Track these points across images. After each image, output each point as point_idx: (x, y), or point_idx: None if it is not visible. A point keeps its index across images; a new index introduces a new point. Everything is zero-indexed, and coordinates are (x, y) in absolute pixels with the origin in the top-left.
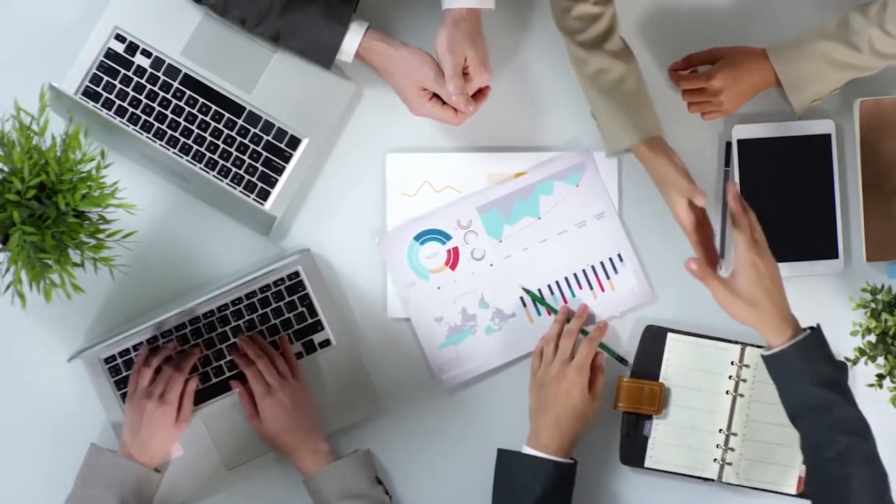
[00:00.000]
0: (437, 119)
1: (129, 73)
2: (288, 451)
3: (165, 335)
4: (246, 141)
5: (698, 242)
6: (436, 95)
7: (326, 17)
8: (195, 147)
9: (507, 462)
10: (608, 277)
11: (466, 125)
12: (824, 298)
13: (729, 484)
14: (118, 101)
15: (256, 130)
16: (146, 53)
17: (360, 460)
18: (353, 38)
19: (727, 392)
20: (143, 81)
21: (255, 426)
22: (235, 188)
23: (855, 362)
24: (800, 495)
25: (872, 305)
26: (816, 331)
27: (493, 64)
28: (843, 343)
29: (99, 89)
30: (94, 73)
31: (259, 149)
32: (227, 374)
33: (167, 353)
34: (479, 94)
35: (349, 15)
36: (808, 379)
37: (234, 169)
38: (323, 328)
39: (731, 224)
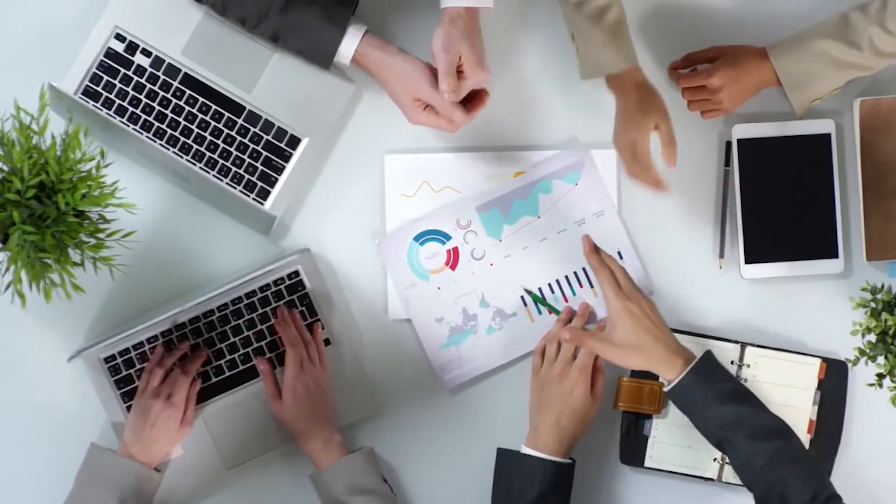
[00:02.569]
0: (433, 127)
1: (129, 73)
2: (302, 438)
3: (165, 334)
4: (246, 140)
5: (644, 171)
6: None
7: (325, 19)
8: (195, 146)
9: (506, 462)
10: None
11: (464, 125)
12: (824, 298)
13: (729, 484)
14: (118, 101)
15: (256, 130)
16: (146, 53)
17: (368, 456)
18: (349, 43)
19: None
20: (142, 81)
21: (273, 408)
22: (235, 188)
23: (855, 362)
24: None
25: (872, 305)
26: (707, 354)
27: (492, 63)
28: (843, 343)
29: (99, 89)
30: (94, 73)
31: (259, 148)
32: (228, 374)
33: (180, 353)
34: (477, 101)
35: (347, 18)
36: (715, 400)
37: (233, 168)
38: (323, 327)
39: (596, 275)
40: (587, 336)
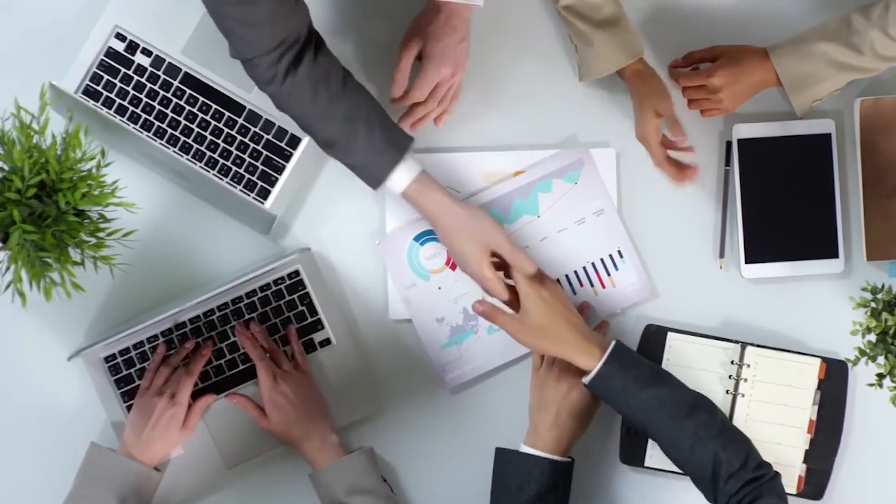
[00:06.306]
0: (491, 287)
1: (130, 72)
2: (296, 443)
3: (165, 334)
4: (246, 140)
5: (663, 159)
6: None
7: (378, 148)
8: (195, 146)
9: (504, 461)
10: (609, 274)
11: (463, 125)
12: (824, 298)
13: None
14: (118, 100)
15: (257, 129)
16: (146, 52)
17: (367, 456)
18: (401, 178)
19: (727, 392)
20: (143, 80)
21: (263, 427)
22: (235, 187)
23: (855, 362)
24: (799, 495)
25: (872, 305)
26: (617, 341)
27: (489, 63)
28: (843, 343)
29: (99, 88)
30: (95, 72)
31: (259, 147)
32: (228, 374)
33: (185, 352)
34: (445, 96)
35: (403, 151)
36: (635, 386)
37: (234, 168)
38: (323, 327)
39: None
40: (499, 313)
